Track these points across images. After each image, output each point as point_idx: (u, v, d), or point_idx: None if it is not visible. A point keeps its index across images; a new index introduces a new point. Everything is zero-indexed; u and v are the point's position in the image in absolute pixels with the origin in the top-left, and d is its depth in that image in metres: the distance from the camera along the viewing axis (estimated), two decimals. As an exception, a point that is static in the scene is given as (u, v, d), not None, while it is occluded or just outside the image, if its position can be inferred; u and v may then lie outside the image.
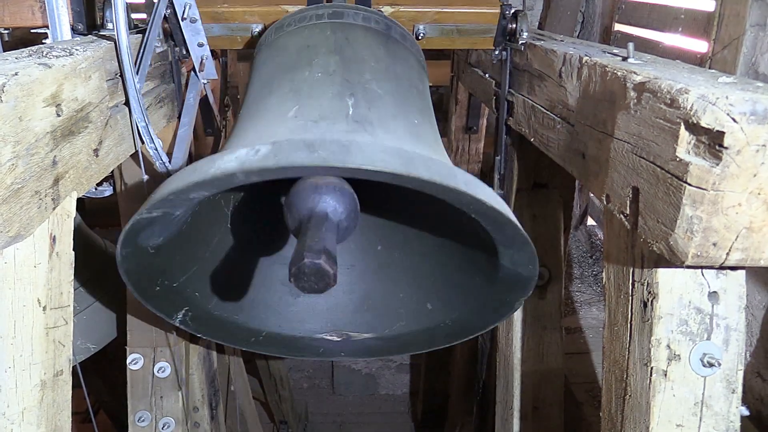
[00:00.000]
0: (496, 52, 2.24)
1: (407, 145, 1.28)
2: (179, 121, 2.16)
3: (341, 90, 1.39)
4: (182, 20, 1.95)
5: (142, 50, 1.79)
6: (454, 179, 1.08)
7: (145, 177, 1.96)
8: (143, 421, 2.45)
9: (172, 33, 2.00)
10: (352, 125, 1.28)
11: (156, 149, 1.81)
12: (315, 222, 1.11)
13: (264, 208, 1.78)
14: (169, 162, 1.93)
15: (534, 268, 1.38)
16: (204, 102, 2.38)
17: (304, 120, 1.29)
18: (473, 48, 2.72)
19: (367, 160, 1.01)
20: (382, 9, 2.05)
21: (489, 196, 1.15)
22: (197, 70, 2.11)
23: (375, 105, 1.38)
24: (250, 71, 1.80)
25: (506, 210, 1.19)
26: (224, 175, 1.04)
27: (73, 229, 1.44)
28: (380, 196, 1.68)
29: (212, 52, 2.12)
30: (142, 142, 1.77)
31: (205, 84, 2.16)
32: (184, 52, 2.08)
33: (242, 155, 1.04)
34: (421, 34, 2.19)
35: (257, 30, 2.16)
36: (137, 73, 1.72)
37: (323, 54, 1.54)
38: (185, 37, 2.00)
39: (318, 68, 1.48)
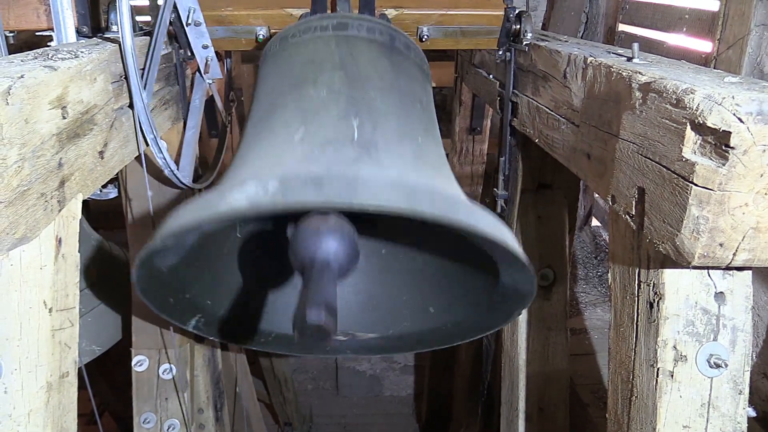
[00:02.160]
0: (500, 53, 2.24)
1: (411, 169, 1.33)
2: (185, 123, 2.16)
3: (346, 110, 1.41)
4: (186, 25, 1.95)
5: (149, 57, 1.79)
6: (456, 212, 1.12)
7: (149, 178, 1.96)
8: (148, 422, 2.45)
9: (177, 36, 2.01)
10: (357, 151, 1.30)
11: (160, 151, 1.82)
12: (317, 271, 1.16)
13: (273, 219, 1.81)
14: (176, 167, 1.94)
15: (532, 287, 1.40)
16: (208, 104, 2.38)
17: (311, 145, 1.31)
18: (477, 48, 2.73)
19: (371, 198, 1.06)
20: (386, 11, 2.05)
21: (491, 225, 1.17)
22: (202, 71, 2.12)
23: (380, 126, 1.40)
24: (255, 81, 1.81)
25: (507, 237, 1.21)
26: (234, 213, 1.08)
27: (78, 231, 1.44)
28: None
29: (216, 53, 2.12)
30: (147, 145, 1.78)
31: (210, 84, 2.17)
32: (189, 54, 2.08)
33: (251, 194, 1.07)
34: (425, 36, 2.19)
35: (261, 33, 2.16)
36: (143, 77, 1.73)
37: (328, 70, 1.55)
38: (189, 40, 2.01)
39: (323, 86, 1.49)
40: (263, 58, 1.84)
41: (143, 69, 1.76)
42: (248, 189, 1.07)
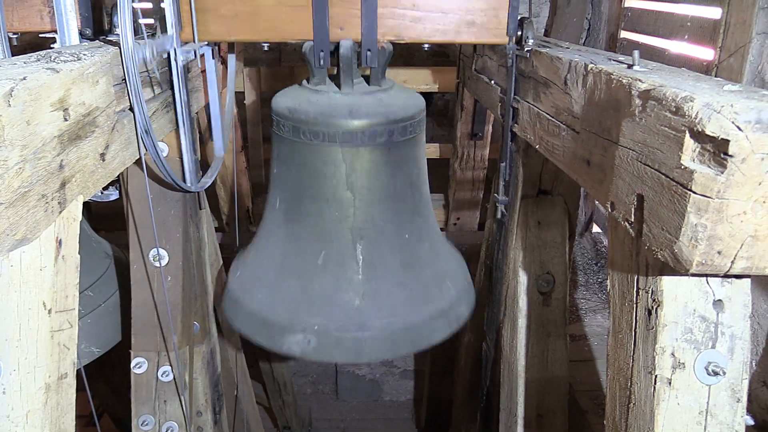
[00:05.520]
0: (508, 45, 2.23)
1: (400, 289, 1.97)
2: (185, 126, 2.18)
3: (353, 236, 1.93)
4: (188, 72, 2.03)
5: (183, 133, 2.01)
6: (419, 343, 1.97)
7: (150, 181, 1.97)
8: (147, 425, 2.45)
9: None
10: (363, 279, 1.94)
11: (158, 155, 1.82)
12: None
13: None
14: (182, 169, 1.94)
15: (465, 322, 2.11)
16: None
17: (331, 276, 1.93)
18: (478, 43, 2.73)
19: (371, 355, 1.89)
20: (387, 42, 2.03)
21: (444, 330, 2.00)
22: (213, 56, 2.14)
23: (376, 245, 1.95)
24: (272, 153, 2.05)
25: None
26: (287, 355, 1.88)
27: (78, 232, 1.45)
28: None
29: (220, 57, 2.13)
30: (146, 150, 1.78)
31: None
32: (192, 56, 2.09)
33: (303, 345, 1.86)
34: (426, 46, 2.20)
35: (266, 44, 2.16)
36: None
37: (341, 188, 1.90)
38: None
39: (336, 206, 1.91)
40: (274, 131, 1.99)
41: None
42: (298, 338, 1.85)
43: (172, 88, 2.03)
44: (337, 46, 1.93)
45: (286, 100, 1.95)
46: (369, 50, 1.96)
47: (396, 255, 1.99)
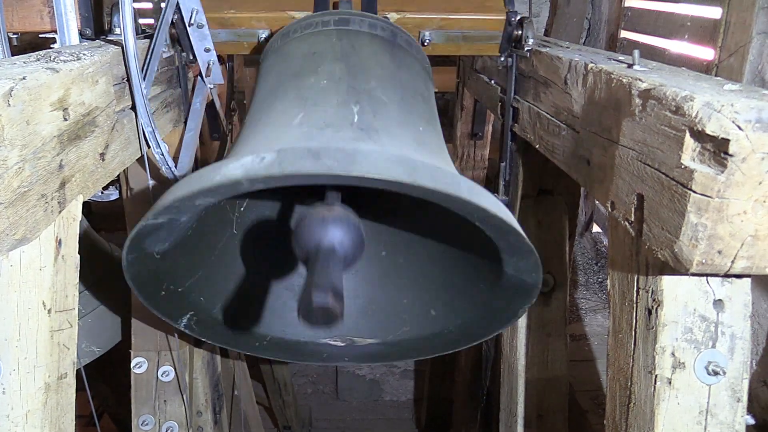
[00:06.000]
0: (502, 59, 2.24)
1: (412, 153, 1.28)
2: (185, 126, 2.17)
3: (347, 98, 1.40)
4: (189, 26, 1.96)
5: (149, 55, 1.80)
6: (458, 188, 1.09)
7: (151, 181, 1.97)
8: (147, 425, 2.45)
9: (179, 38, 2.02)
10: (357, 133, 1.28)
11: (162, 154, 1.82)
12: (323, 257, 1.13)
13: (269, 215, 1.79)
14: (176, 167, 1.94)
15: (538, 276, 1.37)
16: (210, 107, 2.39)
17: (309, 127, 1.29)
18: (479, 54, 2.73)
19: (371, 168, 1.03)
20: (387, 15, 2.05)
21: (493, 204, 1.15)
22: (204, 75, 2.12)
23: (380, 113, 1.39)
24: (256, 77, 1.81)
25: (510, 218, 1.19)
26: (229, 182, 1.06)
27: (78, 232, 1.45)
28: (384, 202, 1.69)
29: (218, 57, 2.13)
30: (148, 147, 1.78)
31: (211, 89, 2.17)
32: (191, 57, 2.09)
33: (247, 163, 1.05)
34: (427, 41, 2.20)
35: (264, 36, 2.17)
36: (144, 78, 1.73)
37: (329, 61, 1.55)
38: (192, 43, 2.02)
39: (323, 75, 1.48)
40: (264, 54, 1.84)
41: (143, 67, 1.76)
42: (244, 160, 1.06)
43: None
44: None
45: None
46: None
47: (407, 133, 1.40)
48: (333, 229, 1.17)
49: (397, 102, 1.49)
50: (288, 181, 1.06)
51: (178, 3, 1.89)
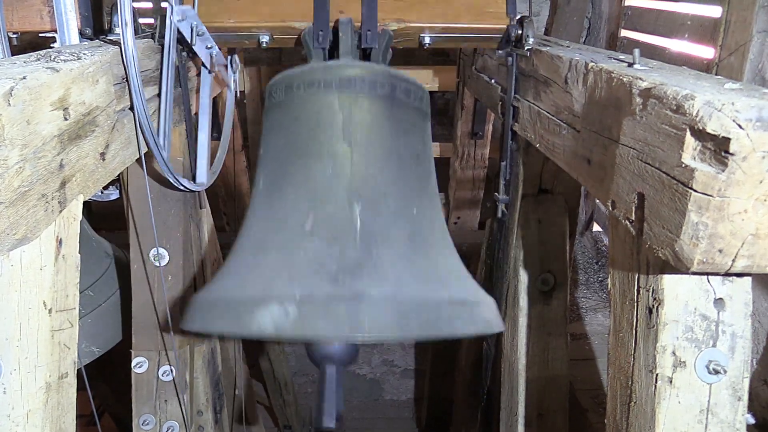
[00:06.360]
0: (500, 52, 2.24)
1: (406, 262, 1.51)
2: (197, 122, 2.16)
3: (350, 196, 1.57)
4: (193, 45, 1.97)
5: (163, 110, 1.87)
6: (438, 329, 1.41)
7: (150, 181, 1.97)
8: (147, 424, 2.45)
9: (179, 40, 2.02)
10: (360, 247, 1.49)
11: (160, 154, 1.82)
12: (329, 379, 1.42)
13: None
14: (182, 169, 1.94)
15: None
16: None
17: (320, 240, 1.50)
18: (479, 47, 2.72)
19: (373, 332, 1.35)
20: (388, 24, 2.04)
21: (469, 321, 1.49)
22: (208, 67, 2.13)
23: (379, 211, 1.57)
24: (262, 128, 1.84)
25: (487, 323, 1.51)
26: (261, 335, 1.36)
27: (79, 232, 1.45)
28: None
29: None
30: (147, 147, 1.78)
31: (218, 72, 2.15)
32: (191, 55, 2.09)
33: (277, 316, 1.33)
34: (426, 44, 2.20)
35: (265, 39, 2.15)
36: (159, 128, 1.83)
37: (334, 139, 1.65)
38: (195, 49, 2.03)
39: (329, 161, 1.62)
40: (267, 105, 1.84)
41: (157, 122, 1.85)
42: (273, 311, 1.34)
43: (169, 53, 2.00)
44: (336, 23, 1.93)
45: (279, 75, 1.85)
46: (369, 30, 1.95)
47: (402, 227, 1.58)
48: (337, 351, 1.45)
49: (394, 183, 1.66)
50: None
51: (178, 29, 1.89)
